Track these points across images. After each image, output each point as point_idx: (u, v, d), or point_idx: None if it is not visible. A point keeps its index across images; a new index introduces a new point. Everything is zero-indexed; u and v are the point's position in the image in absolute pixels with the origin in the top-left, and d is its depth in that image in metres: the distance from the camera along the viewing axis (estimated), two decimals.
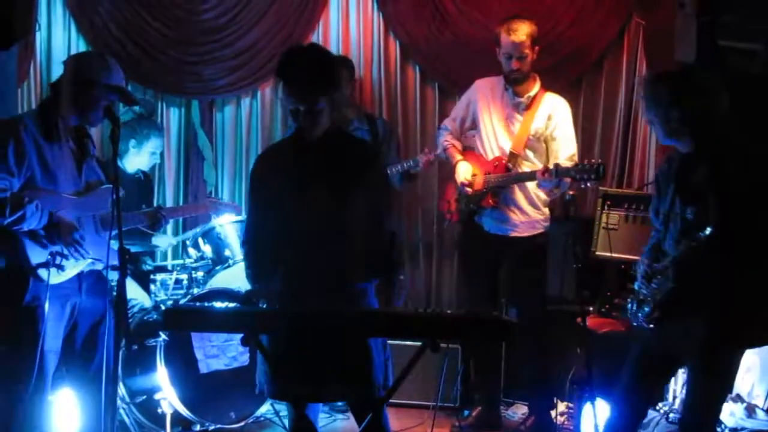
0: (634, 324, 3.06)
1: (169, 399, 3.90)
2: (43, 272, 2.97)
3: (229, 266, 4.44)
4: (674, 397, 4.16)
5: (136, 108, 4.82)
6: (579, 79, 5.13)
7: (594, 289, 4.43)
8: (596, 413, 2.94)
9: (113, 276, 2.95)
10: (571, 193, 3.61)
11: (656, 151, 4.97)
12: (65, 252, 3.00)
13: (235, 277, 4.25)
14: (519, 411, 4.60)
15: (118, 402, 3.60)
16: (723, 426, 3.87)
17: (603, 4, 4.97)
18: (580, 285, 3.97)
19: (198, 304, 3.91)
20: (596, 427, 2.95)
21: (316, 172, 2.79)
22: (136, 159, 4.66)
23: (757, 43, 4.58)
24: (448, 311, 2.67)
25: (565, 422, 4.27)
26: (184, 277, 4.49)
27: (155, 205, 4.94)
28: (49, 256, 2.97)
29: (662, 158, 4.57)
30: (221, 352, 4.11)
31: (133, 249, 3.91)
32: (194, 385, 4.00)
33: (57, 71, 5.04)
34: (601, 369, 3.33)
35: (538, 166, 4.04)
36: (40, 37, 5.07)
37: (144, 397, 4.01)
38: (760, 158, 2.88)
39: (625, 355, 3.09)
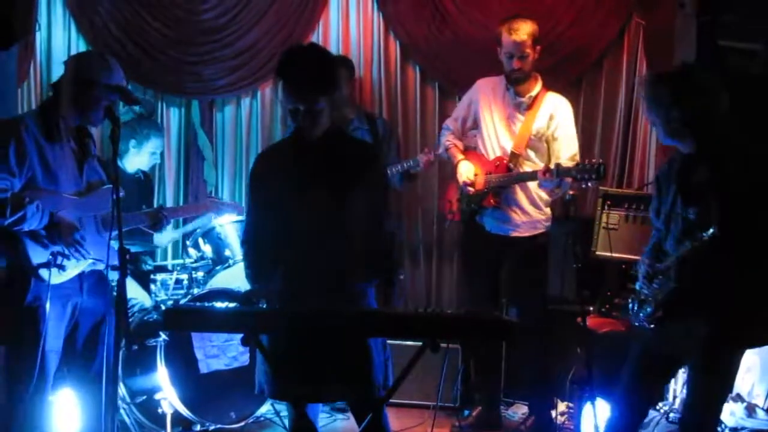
0: (635, 324, 3.06)
1: (170, 399, 3.90)
2: (44, 272, 2.97)
3: (229, 266, 4.44)
4: (674, 397, 4.17)
5: (137, 108, 4.82)
6: (579, 79, 5.13)
7: (594, 289, 4.43)
8: (596, 413, 2.94)
9: (114, 276, 2.95)
10: (571, 192, 3.61)
11: (656, 151, 4.97)
12: (66, 252, 3.01)
13: (235, 277, 4.25)
14: (519, 411, 4.60)
15: (119, 402, 3.60)
16: (723, 425, 3.87)
17: (603, 4, 4.97)
18: (580, 285, 3.97)
19: (198, 304, 3.91)
20: (596, 427, 2.95)
21: (315, 172, 2.79)
22: (136, 159, 4.66)
23: (757, 43, 4.59)
24: (449, 311, 2.67)
25: (566, 422, 4.27)
26: (184, 277, 4.49)
27: (155, 205, 4.95)
28: (50, 257, 2.97)
29: (662, 158, 4.59)
30: (221, 352, 4.11)
31: (134, 249, 3.91)
32: (194, 385, 4.00)
33: (57, 71, 5.05)
34: (602, 369, 3.34)
35: (540, 166, 4.04)
36: (40, 37, 5.07)
37: (144, 397, 4.01)
38: (760, 158, 2.88)
39: (625, 355, 3.09)
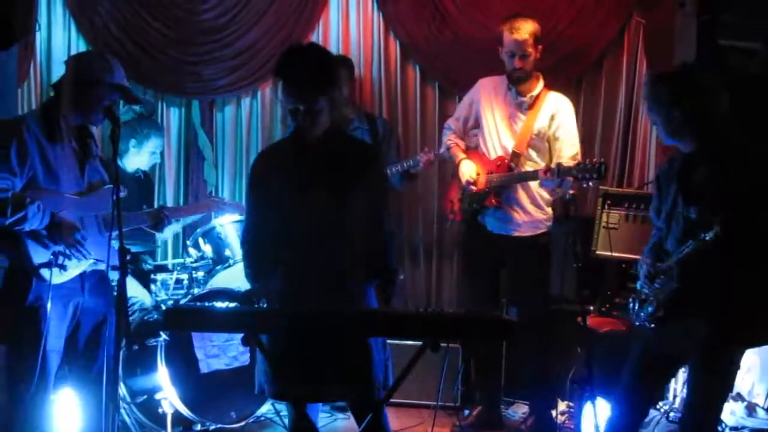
0: (636, 323, 3.06)
1: (170, 399, 3.91)
2: (45, 272, 2.98)
3: (229, 266, 4.44)
4: (675, 397, 4.17)
5: (137, 107, 4.82)
6: (579, 78, 5.13)
7: (594, 288, 4.43)
8: (597, 412, 2.94)
9: (115, 276, 2.95)
10: (571, 192, 3.61)
11: (656, 151, 4.97)
12: (67, 252, 3.01)
13: (235, 277, 4.25)
14: (520, 410, 4.60)
15: (119, 402, 3.60)
16: (723, 425, 3.87)
17: (603, 3, 4.97)
18: (580, 284, 3.97)
19: (198, 303, 3.92)
20: (597, 426, 2.95)
21: (315, 172, 2.79)
22: (136, 158, 4.66)
23: (757, 42, 4.59)
24: (449, 310, 2.67)
25: (566, 421, 4.27)
26: (184, 276, 4.49)
27: (156, 204, 4.95)
28: (52, 256, 2.97)
29: (662, 158, 4.59)
30: (222, 351, 4.11)
31: (134, 249, 3.92)
32: (195, 385, 4.00)
33: (57, 71, 5.05)
34: (602, 368, 3.33)
35: (541, 165, 4.03)
36: (40, 37, 5.07)
37: (145, 396, 4.01)
38: (760, 158, 2.88)
39: (625, 354, 3.09)
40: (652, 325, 2.96)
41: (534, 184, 4.10)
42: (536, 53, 4.07)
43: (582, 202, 4.92)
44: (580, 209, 4.81)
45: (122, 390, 3.93)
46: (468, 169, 4.20)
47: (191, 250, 4.51)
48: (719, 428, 3.78)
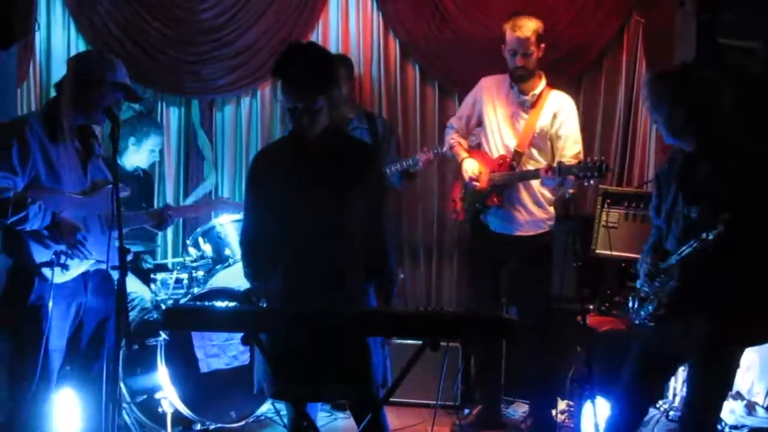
0: (636, 322, 3.06)
1: (170, 398, 3.91)
2: (47, 271, 2.98)
3: (229, 265, 4.44)
4: (675, 395, 4.17)
5: (136, 106, 4.83)
6: (579, 77, 5.13)
7: (594, 287, 4.43)
8: (596, 411, 2.94)
9: (115, 275, 2.96)
10: (571, 191, 3.61)
11: (656, 150, 4.97)
12: (69, 252, 3.01)
13: (235, 276, 4.25)
14: (519, 409, 4.60)
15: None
16: (723, 424, 3.87)
17: (603, 2, 4.96)
18: (580, 283, 3.96)
19: (198, 303, 3.92)
20: (596, 425, 2.95)
21: (315, 171, 2.79)
22: (135, 156, 4.66)
23: (757, 41, 4.58)
24: (450, 309, 2.67)
25: (566, 420, 4.27)
26: (184, 276, 4.49)
27: (155, 203, 4.96)
28: (54, 256, 2.98)
29: (662, 156, 4.59)
30: (222, 351, 4.11)
31: (134, 248, 3.92)
32: (195, 385, 4.00)
33: (57, 71, 5.05)
34: (602, 367, 3.33)
35: (543, 164, 4.03)
36: (39, 36, 5.07)
37: (144, 396, 4.02)
38: (760, 158, 2.88)
39: (625, 353, 3.09)
40: (652, 324, 2.97)
41: (536, 184, 4.10)
42: (539, 52, 4.06)
43: (582, 201, 4.92)
44: (580, 208, 4.81)
45: (122, 389, 3.93)
46: (470, 167, 4.21)
47: (191, 250, 4.51)
48: (719, 427, 3.79)
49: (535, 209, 4.15)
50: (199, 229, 4.57)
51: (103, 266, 3.12)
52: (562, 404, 4.31)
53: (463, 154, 4.31)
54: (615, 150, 5.10)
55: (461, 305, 5.00)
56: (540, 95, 4.13)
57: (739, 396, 4.08)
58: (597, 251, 4.39)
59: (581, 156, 4.06)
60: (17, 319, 3.02)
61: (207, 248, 4.47)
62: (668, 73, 2.98)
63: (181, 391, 3.93)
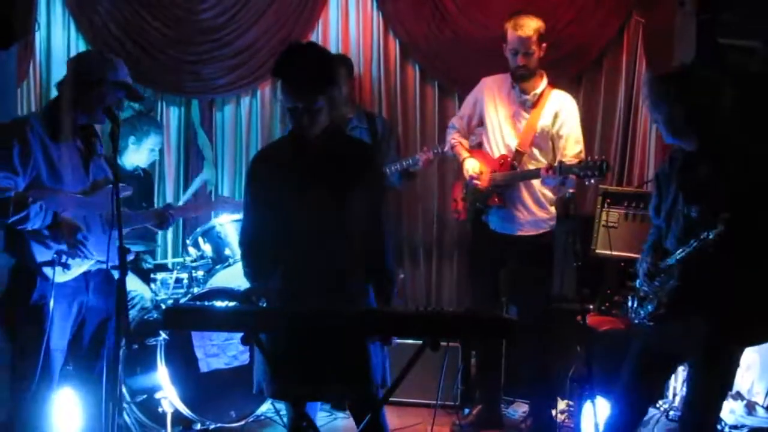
0: (635, 321, 3.06)
1: (170, 398, 3.91)
2: (48, 270, 2.98)
3: (229, 265, 4.44)
4: (674, 395, 4.17)
5: (136, 105, 4.83)
6: (579, 77, 5.13)
7: (594, 287, 4.43)
8: (596, 411, 2.94)
9: (115, 275, 2.96)
10: (570, 191, 3.61)
11: (656, 149, 4.97)
12: (69, 251, 3.02)
13: (235, 276, 4.25)
14: (519, 409, 4.60)
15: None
16: (723, 423, 3.87)
17: (603, 2, 4.97)
18: (580, 283, 3.97)
19: (198, 303, 3.92)
20: (596, 425, 2.95)
21: (314, 171, 2.79)
22: (135, 156, 4.66)
23: (757, 40, 4.59)
24: (450, 309, 2.67)
25: (566, 420, 4.27)
26: (184, 276, 4.49)
27: (155, 202, 4.96)
28: (55, 255, 2.99)
29: (662, 156, 4.59)
30: (221, 351, 4.11)
31: (135, 248, 3.92)
32: (195, 384, 4.00)
33: (57, 71, 5.06)
34: (601, 367, 3.34)
35: (545, 164, 4.03)
36: (39, 36, 5.08)
37: (144, 396, 4.01)
38: (761, 158, 2.88)
39: (625, 352, 3.09)
40: (652, 324, 2.97)
41: (537, 183, 4.09)
42: (540, 51, 4.06)
43: (582, 201, 4.92)
44: (580, 208, 4.81)
45: (122, 389, 3.93)
46: (471, 166, 4.20)
47: (191, 249, 4.51)
48: (719, 427, 3.79)
49: (536, 209, 4.15)
50: (199, 229, 4.57)
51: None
52: (562, 404, 4.31)
53: (465, 153, 4.31)
54: (615, 150, 5.10)
55: (461, 305, 5.00)
56: (541, 95, 4.13)
57: (739, 396, 4.08)
58: (597, 251, 4.39)
59: (583, 155, 4.05)
60: (19, 318, 3.03)
61: (207, 248, 4.47)
62: (669, 73, 2.98)
63: (181, 391, 3.93)
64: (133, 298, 4.21)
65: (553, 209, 4.19)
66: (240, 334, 2.48)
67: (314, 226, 2.76)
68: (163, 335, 3.94)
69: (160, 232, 4.82)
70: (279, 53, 2.79)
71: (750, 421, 3.95)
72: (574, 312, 3.93)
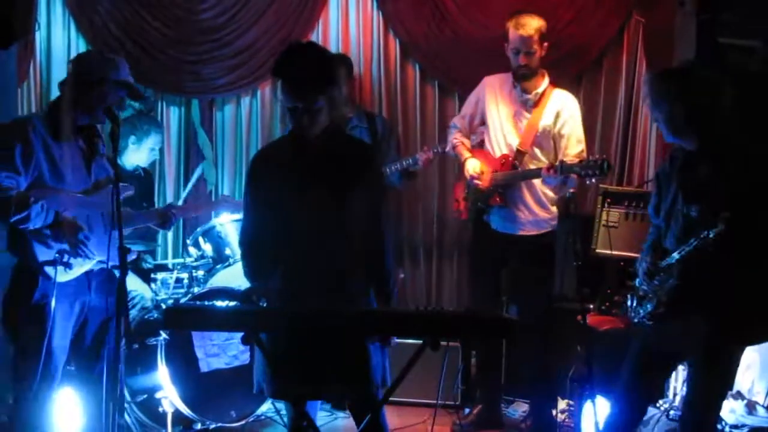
0: (635, 321, 3.06)
1: (170, 398, 3.91)
2: (50, 270, 2.99)
3: (229, 265, 4.44)
4: (675, 394, 4.17)
5: (136, 104, 4.83)
6: (579, 76, 5.13)
7: (594, 286, 4.43)
8: (596, 411, 2.94)
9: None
10: (571, 190, 3.60)
11: (656, 149, 4.97)
12: (71, 251, 3.02)
13: (235, 276, 4.25)
14: (520, 409, 4.60)
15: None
16: (723, 423, 3.87)
17: (603, 2, 4.97)
18: (580, 283, 3.96)
19: (198, 302, 3.92)
20: (596, 424, 2.95)
21: (314, 171, 2.79)
22: (135, 155, 4.66)
23: (757, 40, 4.59)
24: (450, 309, 2.67)
25: (566, 420, 4.27)
26: (184, 275, 4.49)
27: (155, 202, 4.96)
28: (57, 255, 2.99)
29: (662, 156, 4.59)
30: (222, 350, 4.12)
31: (135, 248, 3.92)
32: (195, 384, 4.00)
33: (57, 71, 5.06)
34: (602, 366, 3.33)
35: (546, 163, 4.03)
36: (39, 36, 5.08)
37: (145, 396, 4.02)
38: (761, 158, 2.88)
39: (625, 352, 3.09)
40: (651, 323, 2.97)
41: (539, 183, 4.09)
42: (542, 50, 4.05)
43: (582, 201, 4.92)
44: (580, 207, 4.81)
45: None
46: (473, 166, 4.20)
47: (191, 249, 4.51)
48: (719, 426, 3.79)
49: (538, 209, 4.14)
50: (199, 229, 4.57)
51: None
52: (562, 403, 4.31)
53: (466, 153, 4.31)
54: (615, 150, 5.10)
55: (461, 305, 5.00)
56: (543, 94, 4.12)
57: (739, 395, 4.08)
58: (597, 251, 4.39)
59: (584, 155, 4.04)
60: (21, 317, 3.03)
61: (207, 248, 4.47)
62: (669, 72, 2.98)
63: (182, 391, 3.94)
64: (133, 298, 4.21)
65: (554, 209, 4.18)
66: (240, 334, 2.48)
67: (314, 226, 2.76)
68: (164, 335, 3.94)
69: (160, 232, 4.82)
70: (279, 53, 2.80)
71: (750, 421, 3.95)
72: (575, 312, 3.92)
